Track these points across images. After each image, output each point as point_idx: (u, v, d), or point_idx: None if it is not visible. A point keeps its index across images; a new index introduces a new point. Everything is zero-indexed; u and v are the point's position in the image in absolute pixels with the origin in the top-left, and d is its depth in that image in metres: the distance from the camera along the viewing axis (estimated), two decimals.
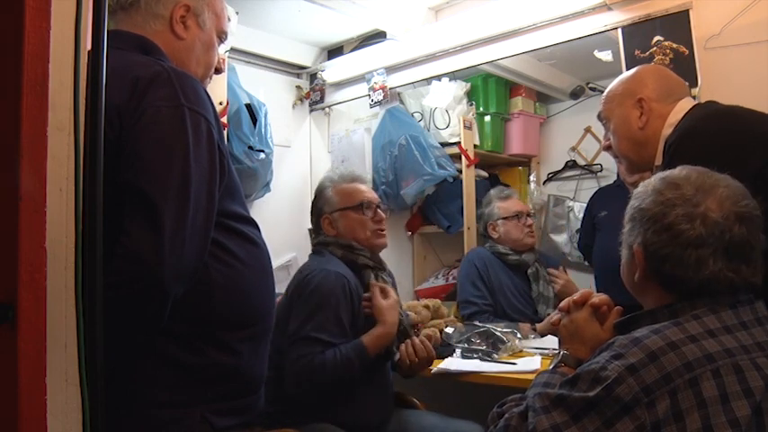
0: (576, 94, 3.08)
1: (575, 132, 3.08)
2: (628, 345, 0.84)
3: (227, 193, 1.08)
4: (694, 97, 1.49)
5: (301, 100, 2.93)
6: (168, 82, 0.98)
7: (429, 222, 3.01)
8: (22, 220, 0.68)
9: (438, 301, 2.31)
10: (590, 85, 2.99)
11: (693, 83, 1.75)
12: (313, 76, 2.93)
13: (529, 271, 2.42)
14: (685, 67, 1.77)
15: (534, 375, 1.12)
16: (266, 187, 2.52)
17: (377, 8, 2.40)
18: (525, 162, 3.20)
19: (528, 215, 2.53)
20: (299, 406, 1.60)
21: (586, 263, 2.62)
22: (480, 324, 2.08)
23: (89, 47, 0.75)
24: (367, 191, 1.88)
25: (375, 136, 2.82)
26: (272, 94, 2.72)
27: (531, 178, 3.11)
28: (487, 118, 2.95)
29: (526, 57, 2.58)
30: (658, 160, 1.28)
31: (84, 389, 0.71)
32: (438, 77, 2.68)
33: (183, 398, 1.01)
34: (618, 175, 2.39)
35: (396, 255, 2.88)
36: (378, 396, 1.69)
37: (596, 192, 2.59)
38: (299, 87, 2.92)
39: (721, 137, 1.16)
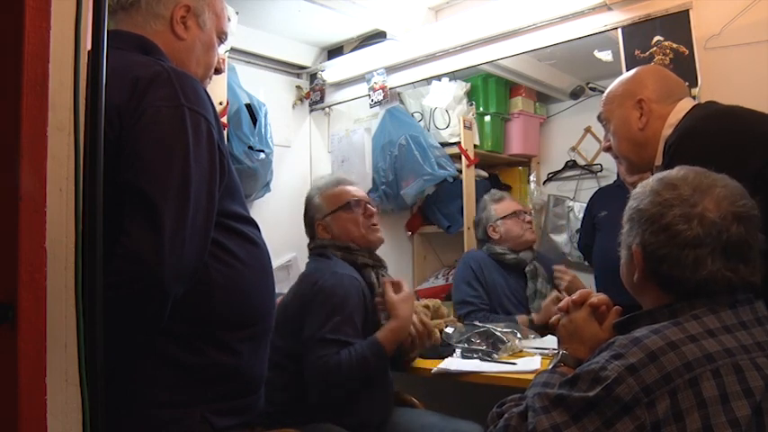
0: (575, 94, 3.08)
1: (575, 132, 3.08)
2: (628, 345, 0.84)
3: (227, 193, 1.08)
4: (694, 97, 1.50)
5: (301, 100, 2.93)
6: (168, 82, 0.98)
7: (429, 222, 3.01)
8: (22, 220, 0.68)
9: (438, 301, 2.31)
10: (590, 85, 2.99)
11: (693, 83, 1.75)
12: (313, 76, 2.93)
13: (527, 269, 2.42)
14: (685, 67, 1.77)
15: (534, 375, 1.12)
16: (266, 187, 2.52)
17: (377, 8, 2.40)
18: (525, 162, 3.20)
19: (525, 212, 2.53)
20: (299, 406, 1.60)
21: (586, 263, 2.62)
22: (480, 324, 2.08)
23: (89, 47, 0.75)
24: (353, 190, 1.89)
25: (375, 136, 2.82)
26: (272, 94, 2.72)
27: (531, 178, 3.11)
28: (487, 118, 2.95)
29: (526, 57, 2.58)
30: (658, 161, 1.28)
31: (84, 389, 0.71)
32: (438, 77, 2.68)
33: (183, 398, 1.01)
34: (618, 175, 2.39)
35: (396, 255, 2.88)
36: (378, 395, 1.69)
37: (596, 192, 2.60)
38: (299, 87, 2.92)
39: (721, 137, 1.17)
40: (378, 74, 2.64)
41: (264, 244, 1.17)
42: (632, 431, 0.79)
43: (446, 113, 2.78)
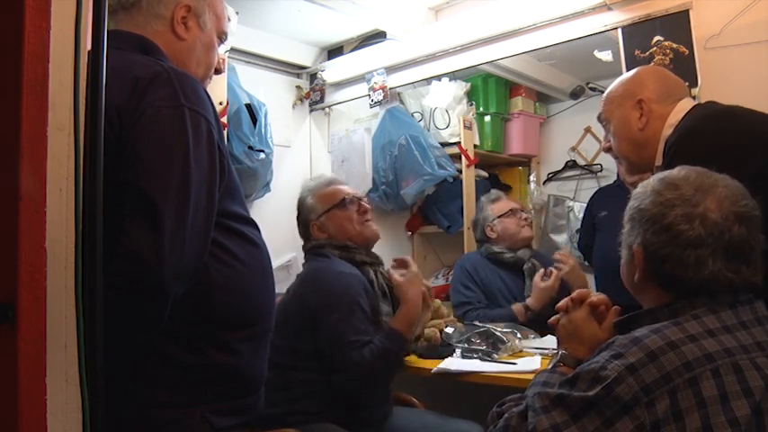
0: (576, 94, 3.08)
1: (575, 132, 3.08)
2: (627, 344, 0.84)
3: (227, 193, 1.08)
4: (694, 97, 1.50)
5: (301, 100, 2.93)
6: (168, 82, 0.98)
7: (429, 222, 3.01)
8: (22, 220, 0.68)
9: (438, 301, 2.31)
10: (590, 85, 2.99)
11: (693, 83, 1.75)
12: (313, 76, 2.93)
13: (525, 266, 2.42)
14: (685, 68, 1.77)
15: (534, 375, 1.12)
16: (266, 187, 2.52)
17: (377, 8, 2.40)
18: (525, 162, 3.20)
19: (522, 210, 2.53)
20: (298, 406, 1.60)
21: (586, 263, 2.62)
22: (480, 324, 2.08)
23: (89, 47, 0.75)
24: (346, 188, 1.90)
25: (375, 136, 2.82)
26: (272, 94, 2.72)
27: (531, 178, 3.11)
28: (487, 118, 2.95)
29: (526, 57, 2.58)
30: (658, 161, 1.28)
31: (84, 389, 0.71)
32: (438, 77, 2.68)
33: (183, 398, 1.01)
34: (618, 175, 2.39)
35: (396, 255, 2.87)
36: (377, 394, 1.69)
37: (596, 192, 2.59)
38: (299, 87, 2.92)
39: (721, 137, 1.16)
40: (378, 74, 2.64)
41: (264, 244, 1.17)
42: (632, 431, 0.79)
43: (446, 113, 2.78)
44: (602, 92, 1.44)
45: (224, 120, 2.18)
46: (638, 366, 0.81)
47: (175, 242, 0.91)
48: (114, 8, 1.12)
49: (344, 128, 2.93)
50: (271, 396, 1.25)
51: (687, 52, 1.80)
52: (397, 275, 1.74)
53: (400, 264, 1.78)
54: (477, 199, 2.68)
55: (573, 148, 3.10)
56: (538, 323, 2.14)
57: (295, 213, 1.92)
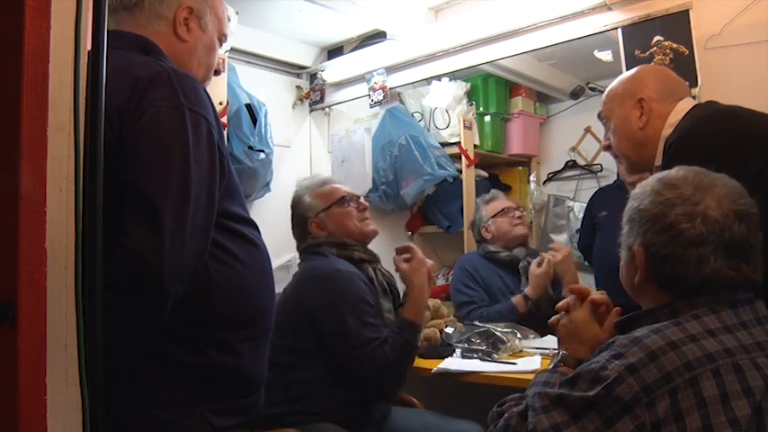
0: (576, 94, 3.08)
1: (575, 132, 3.09)
2: (628, 344, 0.84)
3: (227, 193, 1.08)
4: (694, 97, 1.49)
5: (301, 100, 2.93)
6: (168, 82, 0.98)
7: (429, 222, 3.01)
8: (22, 220, 0.68)
9: (438, 301, 2.31)
10: (590, 85, 2.99)
11: (693, 83, 1.75)
12: (313, 76, 2.93)
13: (520, 265, 2.42)
14: (685, 67, 1.77)
15: (534, 375, 1.12)
16: (266, 187, 2.52)
17: (377, 8, 2.40)
18: (525, 162, 3.20)
19: (516, 209, 2.53)
20: (298, 406, 1.60)
21: (586, 263, 2.62)
22: (480, 324, 2.08)
23: (89, 47, 0.75)
24: (344, 187, 1.90)
25: (375, 136, 2.82)
26: (272, 94, 2.72)
27: (531, 178, 3.11)
28: (487, 118, 2.95)
29: (526, 57, 2.58)
30: (658, 160, 1.28)
31: (84, 389, 0.71)
32: (438, 77, 2.68)
33: (183, 398, 1.01)
34: (618, 175, 2.39)
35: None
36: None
37: (596, 192, 2.60)
38: (299, 87, 2.92)
39: (721, 137, 1.16)
40: (378, 74, 2.64)
41: (264, 245, 1.17)
42: (632, 431, 0.79)
43: (446, 113, 2.78)
44: (602, 92, 1.44)
45: (224, 120, 2.18)
46: (638, 366, 0.81)
47: (175, 242, 0.91)
48: (115, 7, 1.11)
49: (344, 128, 2.93)
50: (271, 396, 1.25)
51: (687, 52, 1.80)
52: (402, 263, 1.74)
53: (402, 251, 1.78)
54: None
55: (573, 148, 3.10)
56: (538, 323, 2.14)
57: None
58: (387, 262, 1.93)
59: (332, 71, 2.81)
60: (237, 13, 2.23)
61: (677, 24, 1.81)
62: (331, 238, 1.79)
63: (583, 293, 1.13)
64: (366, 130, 2.83)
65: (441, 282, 2.93)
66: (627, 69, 1.63)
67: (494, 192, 2.67)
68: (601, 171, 2.98)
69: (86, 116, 0.73)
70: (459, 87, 2.80)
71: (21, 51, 0.68)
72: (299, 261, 1.88)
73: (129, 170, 0.93)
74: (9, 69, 0.69)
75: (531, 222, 3.00)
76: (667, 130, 1.26)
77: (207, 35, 1.19)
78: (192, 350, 1.02)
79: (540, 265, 2.28)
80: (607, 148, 1.44)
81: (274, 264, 1.29)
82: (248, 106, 2.37)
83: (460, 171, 2.73)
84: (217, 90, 2.13)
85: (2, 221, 0.68)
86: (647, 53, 1.86)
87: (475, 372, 1.79)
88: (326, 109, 2.96)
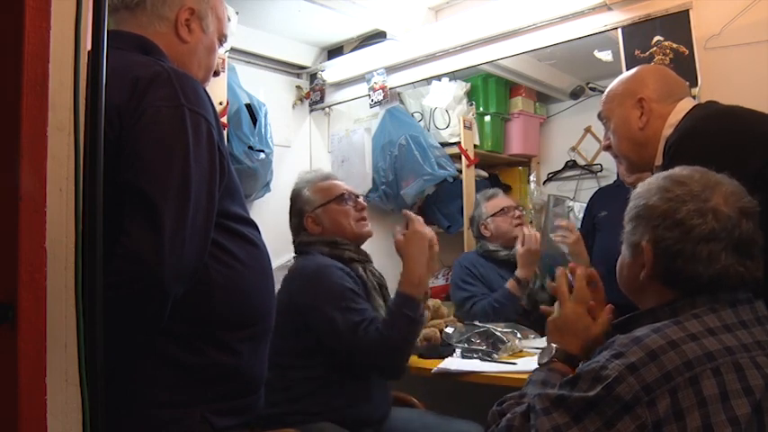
0: (575, 94, 3.08)
1: (575, 132, 3.09)
2: (628, 344, 0.84)
3: (227, 194, 1.08)
4: (694, 97, 1.49)
5: (301, 100, 2.93)
6: (168, 82, 0.98)
7: (429, 222, 2.99)
8: (22, 220, 0.67)
9: (438, 301, 2.31)
10: (590, 85, 2.99)
11: (693, 83, 1.75)
12: (313, 76, 2.93)
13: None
14: (685, 67, 1.77)
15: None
16: (266, 187, 2.52)
17: (377, 8, 2.40)
18: (525, 162, 3.20)
19: (516, 208, 2.53)
20: (298, 406, 1.60)
21: None
22: (480, 324, 2.08)
23: (89, 47, 0.75)
24: (344, 184, 1.89)
25: (375, 136, 2.82)
26: (272, 94, 2.72)
27: (531, 178, 3.10)
28: (487, 118, 2.95)
29: (526, 57, 2.58)
30: (658, 160, 1.28)
31: (84, 389, 0.71)
32: (438, 77, 2.68)
33: (183, 398, 1.01)
34: (618, 175, 2.38)
35: (395, 254, 2.88)
36: (376, 392, 1.69)
37: (596, 192, 2.59)
38: (299, 87, 2.92)
39: (721, 137, 1.16)
40: (378, 74, 2.64)
41: (264, 245, 1.17)
42: (633, 431, 0.79)
43: (446, 113, 2.78)
44: (602, 92, 1.44)
45: (224, 120, 2.18)
46: (638, 365, 0.80)
47: (175, 242, 0.91)
48: (116, 6, 1.11)
49: (344, 128, 2.93)
50: (271, 396, 1.25)
51: (687, 52, 1.80)
52: (398, 234, 1.70)
53: (405, 224, 1.72)
54: None
55: (573, 148, 3.10)
56: (538, 323, 2.13)
57: None
58: (387, 262, 1.93)
59: (332, 71, 2.81)
60: (237, 13, 2.23)
61: (677, 24, 1.81)
62: (323, 236, 1.79)
63: (591, 276, 1.15)
64: (366, 130, 2.83)
65: (440, 282, 2.93)
66: (627, 69, 1.63)
67: (493, 189, 2.67)
68: (601, 171, 2.98)
69: (86, 116, 0.73)
70: (459, 87, 2.80)
71: (21, 51, 0.68)
72: (293, 257, 1.88)
73: (129, 170, 0.93)
74: (9, 69, 0.69)
75: (531, 222, 2.99)
76: (667, 131, 1.26)
77: (208, 36, 1.19)
78: (192, 350, 1.02)
79: (523, 244, 2.28)
80: (607, 148, 1.44)
81: (274, 264, 1.29)
82: (248, 106, 2.37)
83: (460, 171, 2.73)
84: (217, 90, 2.13)
85: (2, 221, 0.68)
86: (647, 53, 1.86)
87: (475, 372, 1.79)
88: (326, 109, 2.96)
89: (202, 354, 1.03)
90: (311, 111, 2.97)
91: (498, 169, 3.20)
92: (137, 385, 0.99)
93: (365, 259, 1.83)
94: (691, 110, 1.26)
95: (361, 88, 2.74)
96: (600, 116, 1.43)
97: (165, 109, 0.96)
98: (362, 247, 1.86)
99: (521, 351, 1.96)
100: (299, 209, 1.85)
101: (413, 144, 2.67)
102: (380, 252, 2.14)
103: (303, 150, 2.94)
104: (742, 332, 0.86)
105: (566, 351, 1.09)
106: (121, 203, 0.91)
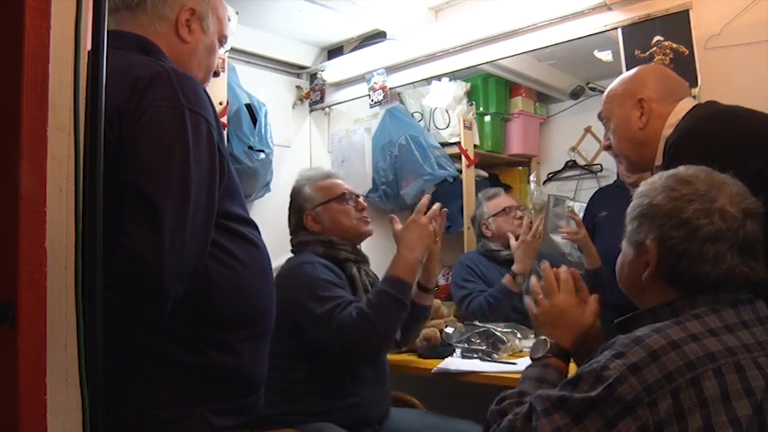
0: (576, 94, 3.08)
1: (575, 132, 3.09)
2: (629, 344, 0.84)
3: (227, 194, 1.08)
4: (694, 97, 1.49)
5: (301, 100, 2.93)
6: (168, 82, 0.98)
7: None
8: (22, 220, 0.67)
9: (438, 301, 2.31)
10: (590, 85, 2.99)
11: (693, 83, 1.75)
12: (313, 76, 2.93)
13: None
14: (685, 67, 1.77)
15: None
16: (266, 187, 2.52)
17: (377, 8, 2.40)
18: (525, 162, 3.21)
19: (517, 208, 2.53)
20: (298, 406, 1.60)
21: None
22: (480, 324, 2.08)
23: (89, 47, 0.75)
24: (345, 184, 1.88)
25: (375, 136, 2.82)
26: (272, 94, 2.71)
27: (531, 178, 3.10)
28: (487, 118, 2.95)
29: (526, 57, 2.58)
30: (658, 160, 1.28)
31: (84, 389, 0.71)
32: (438, 77, 2.68)
33: (183, 398, 1.01)
34: (618, 175, 2.39)
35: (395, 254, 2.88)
36: (376, 391, 1.69)
37: (596, 192, 2.60)
38: (299, 87, 2.92)
39: (721, 137, 1.16)
40: (378, 74, 2.64)
41: (264, 245, 1.17)
42: None
43: (446, 113, 2.78)
44: (602, 92, 1.44)
45: (224, 120, 2.18)
46: (640, 366, 0.80)
47: (175, 242, 0.91)
48: (117, 6, 1.11)
49: (344, 128, 2.92)
50: (271, 396, 1.25)
51: (687, 52, 1.80)
52: (396, 224, 1.70)
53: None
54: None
55: (573, 148, 3.10)
56: None
57: None
58: (386, 262, 1.93)
59: (332, 71, 2.81)
60: (237, 13, 2.23)
61: (677, 24, 1.81)
62: (320, 236, 1.78)
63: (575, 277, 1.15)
64: (366, 130, 2.83)
65: (441, 282, 2.93)
66: (627, 69, 1.63)
67: (496, 188, 2.67)
68: (601, 171, 2.99)
69: (86, 116, 0.73)
70: (459, 87, 2.80)
71: (21, 51, 0.68)
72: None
73: (129, 170, 0.93)
74: (9, 69, 0.69)
75: (531, 222, 2.99)
76: (667, 131, 1.26)
77: (208, 37, 1.19)
78: (192, 350, 1.02)
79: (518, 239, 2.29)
80: (607, 148, 1.44)
81: (274, 264, 1.29)
82: (248, 106, 2.37)
83: (460, 171, 2.73)
84: (217, 90, 2.13)
85: (2, 221, 0.68)
86: (647, 53, 1.86)
87: (475, 372, 1.79)
88: (326, 109, 2.96)
89: (202, 354, 1.03)
90: (311, 111, 2.97)
91: (498, 169, 3.20)
92: (137, 385, 0.99)
93: (361, 259, 1.82)
94: (691, 110, 1.26)
95: (361, 88, 2.74)
96: (600, 116, 1.43)
97: (165, 109, 0.96)
98: (362, 247, 1.86)
99: (521, 351, 1.96)
100: (298, 206, 1.85)
101: (413, 144, 2.67)
102: (380, 252, 2.14)
103: (303, 150, 2.94)
104: (743, 332, 0.85)
105: (558, 345, 1.09)
106: (121, 203, 0.91)
